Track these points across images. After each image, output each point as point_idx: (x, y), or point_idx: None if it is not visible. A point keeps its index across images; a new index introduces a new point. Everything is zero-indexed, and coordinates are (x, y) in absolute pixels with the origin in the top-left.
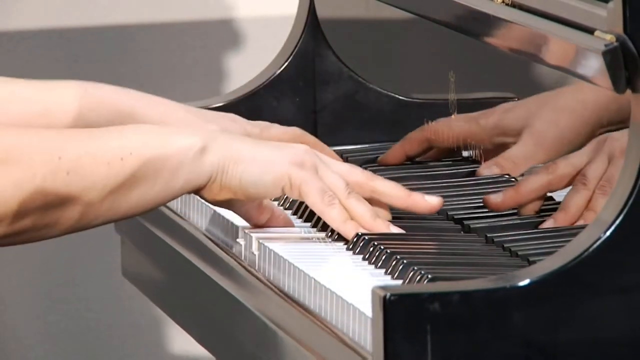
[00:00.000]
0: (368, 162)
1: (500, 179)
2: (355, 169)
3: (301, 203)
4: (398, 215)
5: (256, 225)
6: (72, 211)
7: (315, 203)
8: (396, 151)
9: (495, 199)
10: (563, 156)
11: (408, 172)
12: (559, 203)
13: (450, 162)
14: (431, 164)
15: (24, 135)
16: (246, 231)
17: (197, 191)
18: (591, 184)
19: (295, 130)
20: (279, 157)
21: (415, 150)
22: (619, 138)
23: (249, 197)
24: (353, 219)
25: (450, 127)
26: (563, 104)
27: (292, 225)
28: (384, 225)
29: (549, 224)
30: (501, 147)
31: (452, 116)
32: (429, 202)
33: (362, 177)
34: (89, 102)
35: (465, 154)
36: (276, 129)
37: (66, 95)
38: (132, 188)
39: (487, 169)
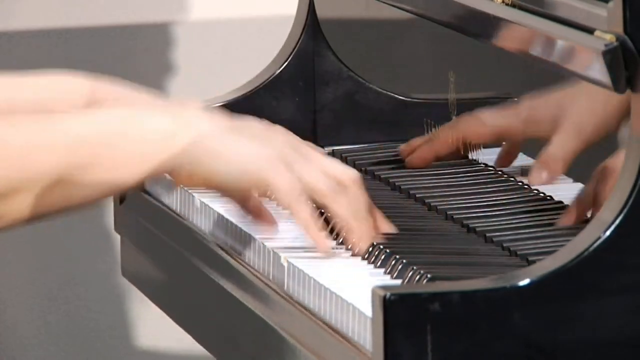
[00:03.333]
0: (372, 164)
1: (500, 178)
2: (334, 167)
3: None
4: (397, 215)
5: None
6: (21, 201)
7: (281, 199)
8: (425, 152)
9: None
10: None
11: (408, 172)
12: (557, 202)
13: (450, 162)
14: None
15: None
16: (247, 232)
17: (169, 174)
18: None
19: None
20: (251, 150)
21: (446, 150)
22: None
23: (218, 189)
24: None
25: (484, 123)
26: (596, 94)
27: (275, 224)
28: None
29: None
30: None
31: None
32: (323, 245)
33: (326, 189)
34: (98, 99)
35: (466, 153)
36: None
37: (77, 92)
38: (92, 173)
39: (538, 177)
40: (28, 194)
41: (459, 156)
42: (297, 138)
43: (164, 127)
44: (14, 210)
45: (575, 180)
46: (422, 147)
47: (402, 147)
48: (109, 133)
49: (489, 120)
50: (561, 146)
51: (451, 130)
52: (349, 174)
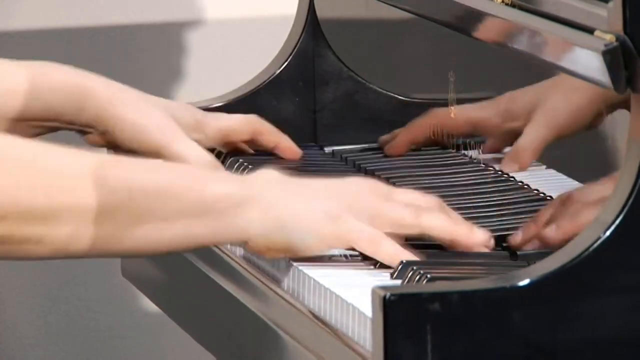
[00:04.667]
0: (372, 164)
1: (500, 178)
2: (413, 197)
3: None
4: None
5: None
6: (59, 230)
7: (365, 250)
8: (401, 140)
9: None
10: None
11: (408, 172)
12: None
13: (450, 162)
14: (431, 163)
15: (9, 141)
16: None
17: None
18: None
19: (250, 119)
20: (321, 214)
21: (422, 138)
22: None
23: (298, 256)
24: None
25: (458, 114)
26: (572, 84)
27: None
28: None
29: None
30: (507, 136)
31: (451, 107)
32: (475, 236)
33: (410, 215)
34: (41, 82)
35: (466, 153)
36: (228, 119)
37: (14, 78)
38: (139, 223)
39: (509, 167)
40: (72, 226)
41: (437, 145)
42: (371, 180)
43: (233, 194)
44: (55, 238)
45: (576, 179)
46: (399, 135)
47: (382, 137)
48: (178, 186)
49: (464, 111)
50: (531, 137)
51: (428, 120)
52: (429, 200)
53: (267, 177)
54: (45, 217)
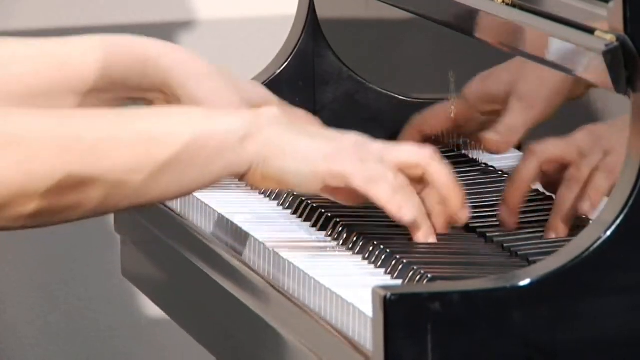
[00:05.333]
0: None
1: (500, 178)
2: (407, 150)
3: (300, 203)
4: None
5: None
6: (94, 193)
7: (360, 186)
8: None
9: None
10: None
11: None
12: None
13: (450, 162)
14: None
15: (28, 118)
16: (247, 232)
17: (240, 177)
18: (583, 175)
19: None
20: (320, 147)
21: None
22: (614, 133)
23: (292, 189)
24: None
25: (439, 113)
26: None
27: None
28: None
29: (552, 234)
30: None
31: (452, 115)
32: (404, 214)
33: (414, 158)
34: (109, 51)
35: (466, 153)
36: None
37: (82, 46)
38: (165, 172)
39: (490, 146)
40: (102, 187)
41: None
42: (367, 139)
43: (238, 129)
44: (91, 200)
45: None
46: None
47: None
48: (185, 135)
49: (443, 108)
50: (513, 119)
51: (412, 128)
52: (424, 152)
53: (271, 114)
54: (82, 183)
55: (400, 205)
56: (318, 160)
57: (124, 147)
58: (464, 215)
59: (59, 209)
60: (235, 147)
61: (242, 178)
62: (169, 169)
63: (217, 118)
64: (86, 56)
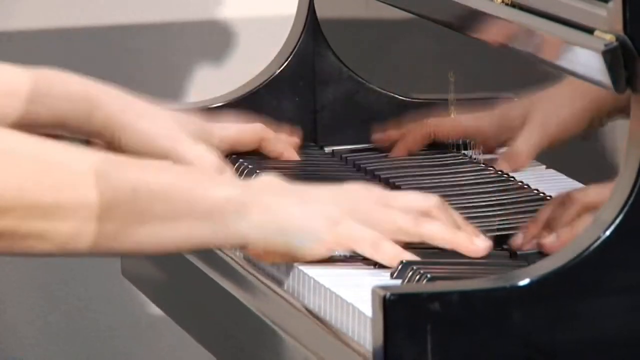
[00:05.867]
0: (372, 164)
1: (500, 178)
2: (413, 201)
3: None
4: None
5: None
6: (62, 227)
7: (366, 253)
8: (399, 149)
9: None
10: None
11: (408, 172)
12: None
13: (450, 162)
14: (431, 163)
15: (16, 137)
16: None
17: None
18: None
19: (255, 128)
20: (321, 218)
21: (417, 146)
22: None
23: (298, 261)
24: None
25: (455, 124)
26: (561, 95)
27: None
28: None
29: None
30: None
31: (452, 115)
32: (475, 245)
33: (409, 224)
34: (47, 88)
35: (466, 153)
36: (235, 130)
37: (16, 80)
38: (141, 222)
39: (504, 165)
40: (76, 222)
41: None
42: (369, 186)
43: (233, 197)
44: (59, 234)
45: (576, 179)
46: (398, 144)
47: (377, 135)
48: (180, 188)
49: (461, 121)
50: (525, 144)
51: (423, 127)
52: (429, 202)
53: (268, 182)
54: (50, 212)
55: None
56: (321, 232)
57: (105, 187)
58: (482, 246)
59: (23, 234)
60: (230, 217)
61: (243, 250)
62: (148, 222)
63: (213, 183)
64: (20, 88)
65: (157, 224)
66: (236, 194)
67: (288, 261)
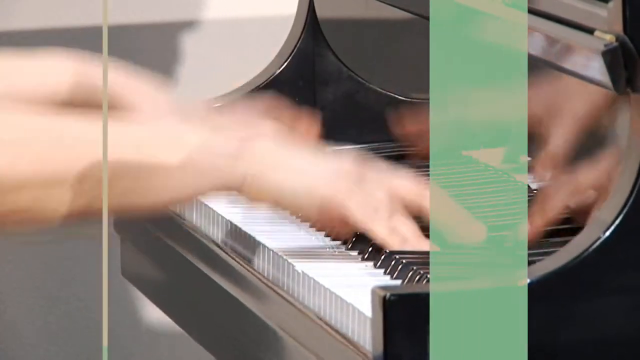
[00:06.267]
0: None
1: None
2: (404, 184)
3: None
4: None
5: None
6: (62, 193)
7: (356, 220)
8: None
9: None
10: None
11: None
12: None
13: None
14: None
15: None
16: (247, 232)
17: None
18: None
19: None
20: (317, 172)
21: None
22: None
23: (287, 207)
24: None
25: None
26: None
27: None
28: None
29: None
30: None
31: None
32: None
33: (411, 193)
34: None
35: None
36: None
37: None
38: (150, 175)
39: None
40: (93, 184)
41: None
42: (362, 159)
43: (227, 147)
44: (54, 202)
45: None
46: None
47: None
48: (184, 150)
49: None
50: (560, 142)
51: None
52: (419, 187)
53: (266, 133)
54: (67, 180)
55: (396, 244)
56: (315, 182)
57: (110, 148)
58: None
59: (42, 205)
60: (229, 162)
61: (239, 192)
62: (156, 177)
63: (211, 140)
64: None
65: (166, 175)
66: (234, 143)
67: (278, 204)
